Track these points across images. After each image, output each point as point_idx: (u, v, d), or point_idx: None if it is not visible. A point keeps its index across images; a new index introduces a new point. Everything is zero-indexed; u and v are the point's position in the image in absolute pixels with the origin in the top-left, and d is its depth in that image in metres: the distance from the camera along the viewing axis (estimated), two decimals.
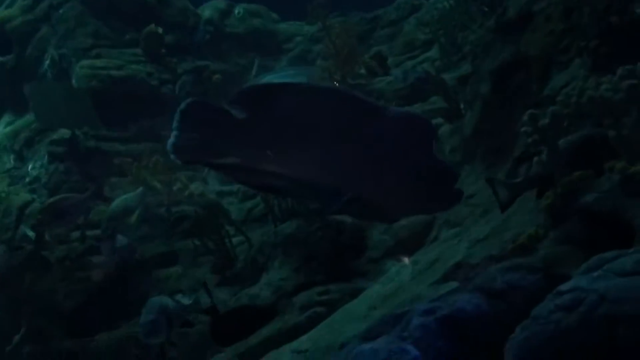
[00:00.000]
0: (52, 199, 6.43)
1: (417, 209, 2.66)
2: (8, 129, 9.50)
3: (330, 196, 2.40)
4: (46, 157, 8.42)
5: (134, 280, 5.94)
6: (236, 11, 11.57)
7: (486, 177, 3.89)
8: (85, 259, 6.22)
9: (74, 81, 9.16)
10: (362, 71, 8.40)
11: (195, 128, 2.21)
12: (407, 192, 2.40)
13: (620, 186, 2.95)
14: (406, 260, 4.26)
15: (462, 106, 5.87)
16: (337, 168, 2.33)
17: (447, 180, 2.38)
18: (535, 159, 3.54)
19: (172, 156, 2.15)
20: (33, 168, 8.54)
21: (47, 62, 9.78)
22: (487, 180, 3.57)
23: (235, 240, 5.95)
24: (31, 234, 6.67)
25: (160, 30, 9.76)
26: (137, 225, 6.16)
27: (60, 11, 9.89)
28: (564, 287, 2.59)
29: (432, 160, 2.39)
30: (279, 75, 10.03)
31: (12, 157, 9.14)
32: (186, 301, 3.99)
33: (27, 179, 8.52)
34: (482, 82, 5.28)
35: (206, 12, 11.14)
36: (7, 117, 9.75)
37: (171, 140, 2.14)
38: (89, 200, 6.11)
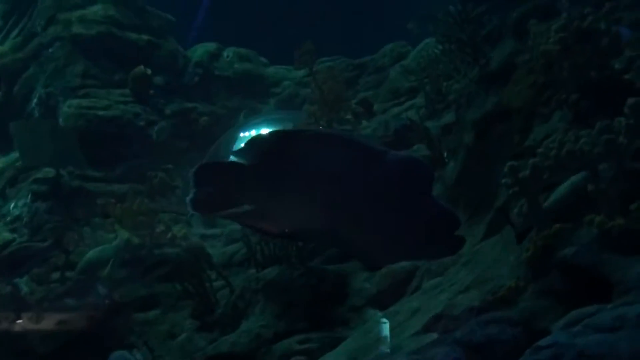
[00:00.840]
0: (10, 249, 6.36)
1: (419, 254, 2.71)
2: None
3: (339, 241, 2.44)
4: (29, 195, 8.35)
5: (112, 325, 5.85)
6: (225, 54, 11.68)
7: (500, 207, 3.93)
8: (63, 301, 6.14)
9: (60, 120, 9.17)
10: (349, 117, 8.47)
11: (210, 184, 2.35)
12: (409, 236, 2.45)
13: (598, 240, 2.96)
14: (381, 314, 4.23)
15: (445, 155, 5.91)
16: (342, 213, 2.36)
17: (448, 226, 2.45)
18: (515, 209, 3.58)
19: (191, 211, 2.32)
20: (15, 207, 8.45)
21: (35, 100, 9.79)
22: (500, 210, 3.59)
23: (216, 284, 5.89)
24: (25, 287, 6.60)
25: (149, 71, 9.82)
26: (109, 277, 6.06)
27: (50, 50, 9.94)
28: (543, 342, 2.57)
29: (433, 205, 2.45)
30: (267, 119, 10.11)
31: None
32: (140, 357, 3.99)
33: (9, 218, 8.42)
34: (465, 131, 5.33)
35: (196, 54, 11.24)
36: None
37: (189, 197, 2.29)
38: (47, 251, 6.04)
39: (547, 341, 2.55)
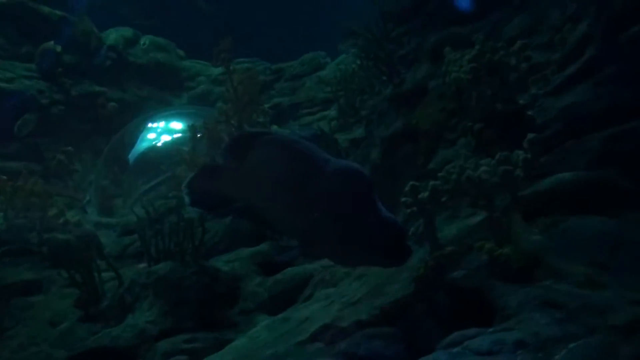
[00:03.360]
0: None
1: (365, 262, 2.85)
2: None
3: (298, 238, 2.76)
4: None
5: None
6: (142, 42, 11.39)
7: None
8: None
9: None
10: (261, 119, 8.43)
11: (201, 185, 2.74)
12: (354, 245, 2.55)
13: (486, 266, 3.06)
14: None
15: None
16: (296, 215, 2.59)
17: (393, 236, 2.54)
18: (412, 229, 3.65)
19: (189, 208, 2.78)
20: None
21: None
22: None
23: (106, 275, 5.69)
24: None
25: (58, 48, 9.44)
26: None
27: None
28: None
29: (377, 215, 2.52)
30: (178, 112, 9.93)
31: None
32: None
33: None
34: (373, 147, 5.41)
35: (110, 37, 10.90)
36: None
37: (186, 200, 2.75)
38: None
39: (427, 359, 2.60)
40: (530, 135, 3.36)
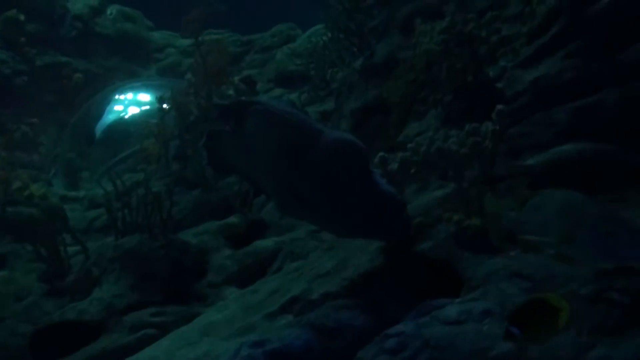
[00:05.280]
0: None
1: (363, 234, 2.82)
2: None
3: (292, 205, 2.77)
4: None
5: None
6: (109, 11, 11.15)
7: None
8: None
9: None
10: (231, 92, 8.33)
11: (216, 146, 2.83)
12: (350, 216, 2.51)
13: (454, 237, 3.07)
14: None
15: None
16: (290, 186, 2.59)
17: (391, 209, 2.51)
18: None
19: (209, 168, 3.02)
20: None
21: None
22: None
23: (72, 249, 5.62)
24: None
25: (21, 17, 9.20)
26: None
27: None
28: (391, 331, 2.64)
29: (374, 187, 2.48)
30: (146, 84, 9.77)
31: None
32: None
33: None
34: (343, 119, 5.38)
35: (76, 6, 10.64)
36: None
37: (205, 161, 2.93)
38: None
39: (395, 330, 2.62)
40: (499, 107, 3.36)
